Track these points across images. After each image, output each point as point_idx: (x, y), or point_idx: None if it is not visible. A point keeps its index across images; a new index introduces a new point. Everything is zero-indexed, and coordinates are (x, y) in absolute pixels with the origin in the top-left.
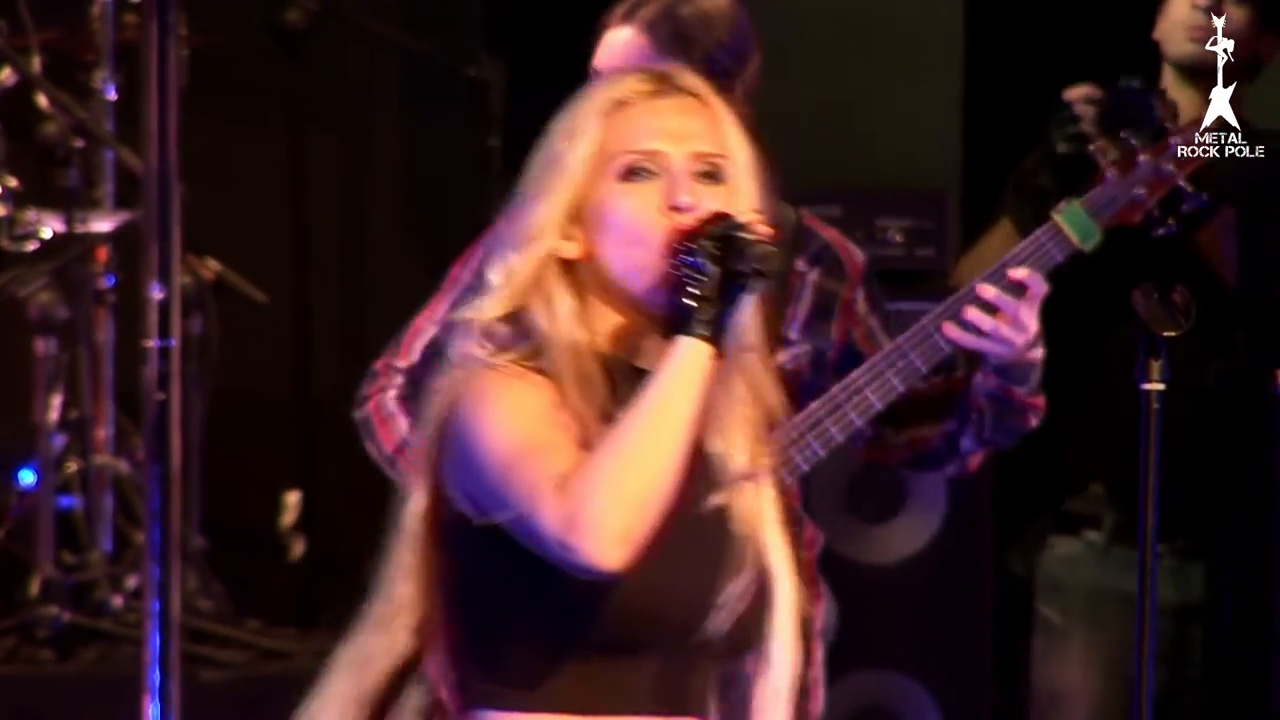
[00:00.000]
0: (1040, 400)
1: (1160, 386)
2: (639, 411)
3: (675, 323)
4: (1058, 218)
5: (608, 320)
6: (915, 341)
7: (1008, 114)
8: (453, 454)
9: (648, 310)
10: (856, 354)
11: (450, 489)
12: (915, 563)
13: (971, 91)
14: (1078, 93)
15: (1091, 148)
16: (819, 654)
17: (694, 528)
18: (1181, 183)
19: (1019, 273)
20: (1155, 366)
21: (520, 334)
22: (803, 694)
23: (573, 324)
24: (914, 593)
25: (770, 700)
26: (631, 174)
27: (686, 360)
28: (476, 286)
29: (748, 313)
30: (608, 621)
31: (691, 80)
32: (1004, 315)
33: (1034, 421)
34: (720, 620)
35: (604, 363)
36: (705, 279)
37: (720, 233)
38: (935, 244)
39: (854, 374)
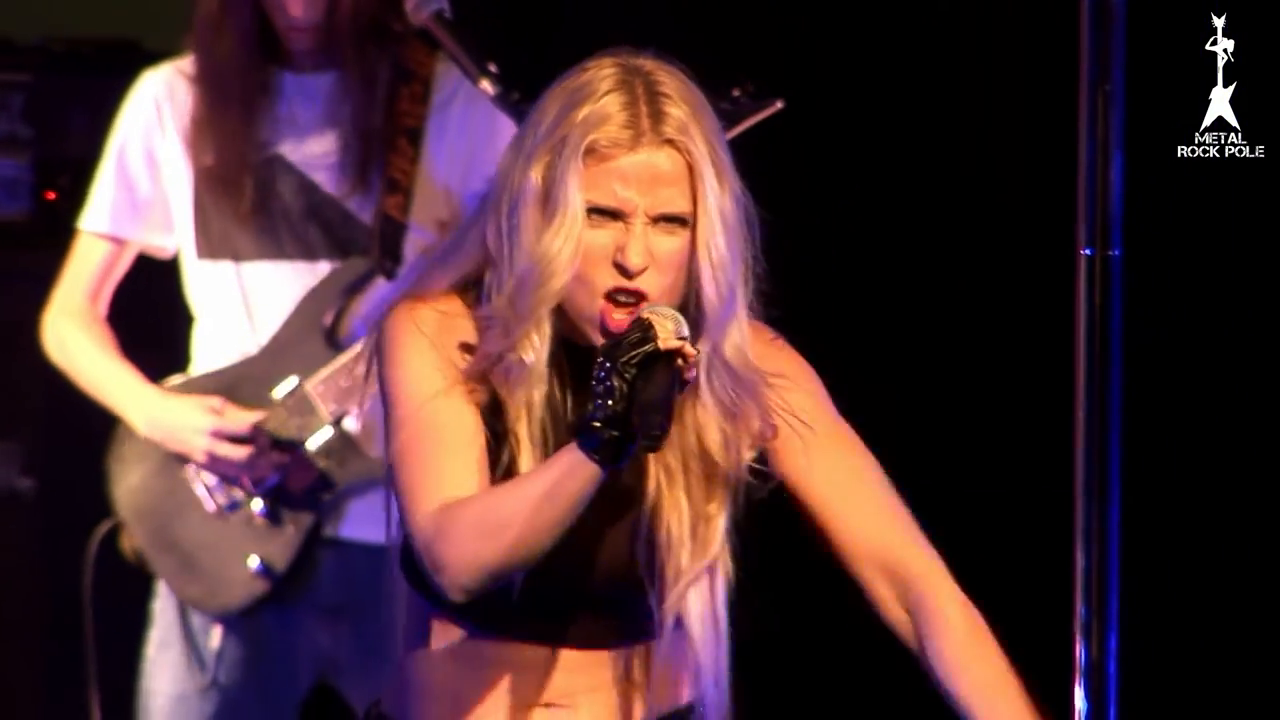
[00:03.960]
0: None
1: None
2: (517, 494)
3: (580, 426)
4: None
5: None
6: None
7: None
8: (382, 398)
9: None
10: None
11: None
12: None
13: None
14: None
15: None
16: None
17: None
18: None
19: None
20: None
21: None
22: None
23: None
24: None
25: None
26: (593, 212)
27: (575, 472)
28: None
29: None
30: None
31: (675, 120)
32: None
33: None
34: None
35: (556, 348)
36: (613, 404)
37: (637, 360)
38: None
39: None
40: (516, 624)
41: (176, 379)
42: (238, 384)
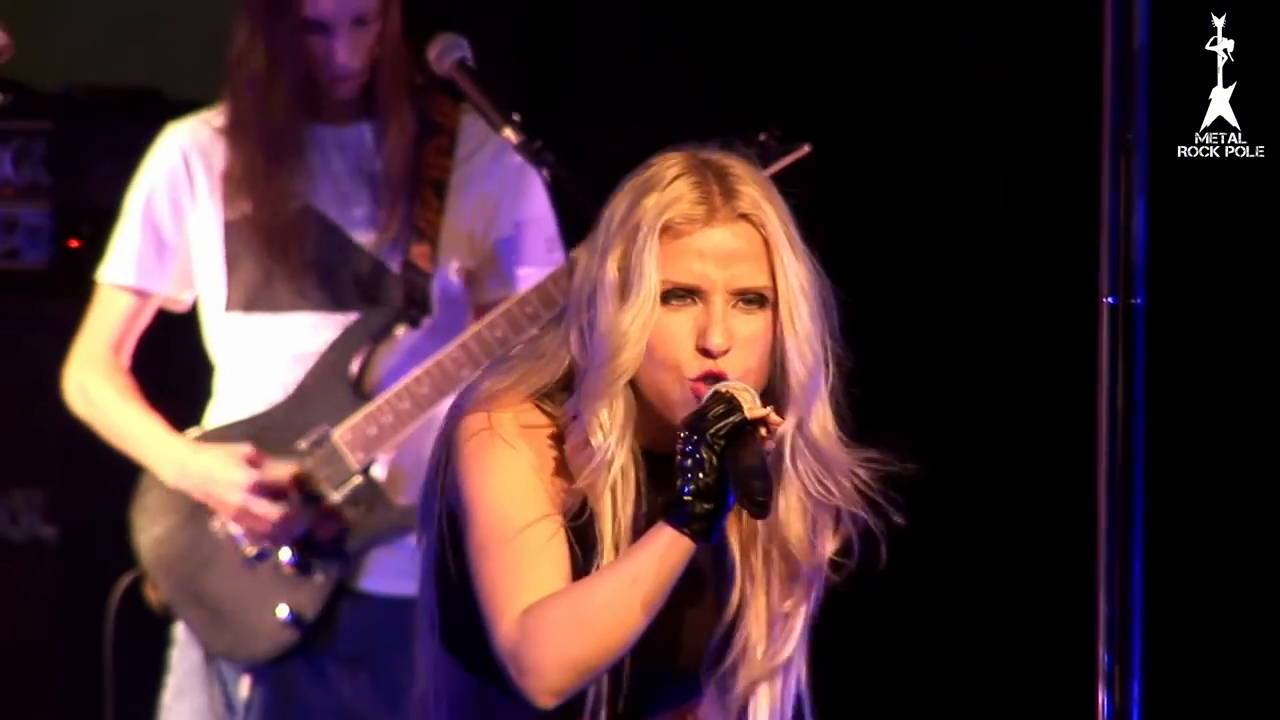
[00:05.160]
0: None
1: None
2: (607, 582)
3: (670, 504)
4: None
5: (644, 414)
6: None
7: None
8: (453, 504)
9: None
10: None
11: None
12: None
13: None
14: None
15: None
16: None
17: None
18: None
19: None
20: None
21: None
22: None
23: (619, 439)
24: None
25: None
26: (672, 295)
27: (666, 551)
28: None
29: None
30: None
31: (748, 197)
32: None
33: None
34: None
35: (638, 456)
36: (704, 476)
37: (725, 431)
38: None
39: None
40: (579, 711)
41: (195, 431)
42: (263, 434)
